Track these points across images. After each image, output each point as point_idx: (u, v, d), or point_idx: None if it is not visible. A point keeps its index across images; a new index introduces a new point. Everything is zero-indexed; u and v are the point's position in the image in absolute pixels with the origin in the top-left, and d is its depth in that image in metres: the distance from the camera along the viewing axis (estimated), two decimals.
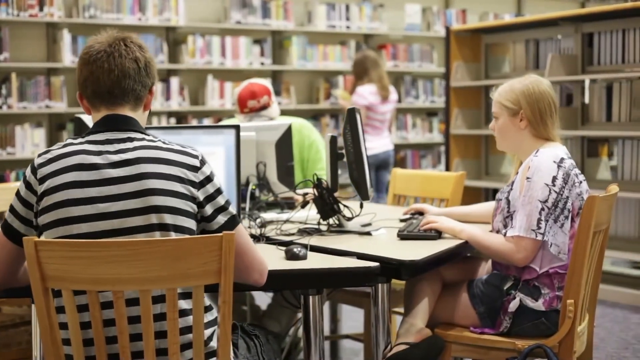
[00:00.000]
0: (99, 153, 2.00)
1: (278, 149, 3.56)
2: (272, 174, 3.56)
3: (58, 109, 6.56)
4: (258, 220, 3.06)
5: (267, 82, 4.10)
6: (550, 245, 2.61)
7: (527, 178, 2.66)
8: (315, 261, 2.42)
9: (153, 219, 1.96)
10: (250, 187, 3.43)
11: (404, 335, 2.66)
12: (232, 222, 2.07)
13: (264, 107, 3.97)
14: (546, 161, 2.66)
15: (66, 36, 6.64)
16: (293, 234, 2.90)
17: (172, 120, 7.19)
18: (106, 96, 2.05)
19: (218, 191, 2.07)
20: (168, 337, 1.90)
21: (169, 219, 1.97)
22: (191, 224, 2.02)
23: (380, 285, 2.51)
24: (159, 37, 7.10)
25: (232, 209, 2.09)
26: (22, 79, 6.47)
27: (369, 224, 3.04)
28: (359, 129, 2.95)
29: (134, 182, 1.97)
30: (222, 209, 2.06)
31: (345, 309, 4.25)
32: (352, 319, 4.51)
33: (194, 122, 7.19)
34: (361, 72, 6.76)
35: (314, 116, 7.94)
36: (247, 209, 3.28)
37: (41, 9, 6.54)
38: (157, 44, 7.05)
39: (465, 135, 6.52)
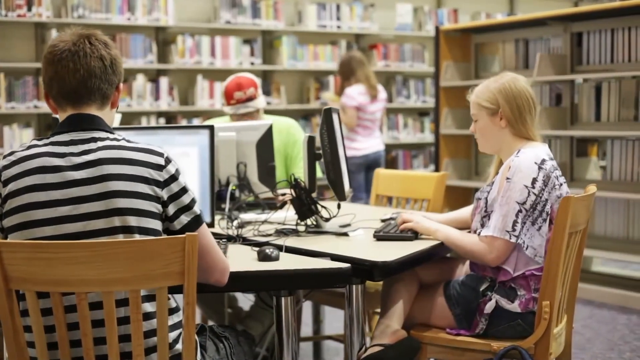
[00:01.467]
0: (63, 155, 1.97)
1: (259, 149, 3.54)
2: (253, 175, 3.54)
3: (46, 109, 6.51)
4: (236, 221, 3.05)
5: (254, 76, 4.11)
6: (527, 248, 2.59)
7: (507, 178, 2.64)
8: (287, 262, 2.40)
9: (116, 221, 1.94)
10: (231, 187, 3.41)
11: (379, 337, 2.65)
12: (196, 222, 2.05)
13: (250, 98, 3.98)
14: (527, 162, 2.63)
15: (55, 36, 6.59)
16: (270, 235, 2.89)
17: (162, 120, 7.17)
18: (72, 96, 2.02)
19: (183, 190, 2.04)
20: (132, 340, 1.89)
21: (133, 221, 1.95)
22: (156, 224, 2.00)
23: (354, 286, 2.50)
24: (148, 37, 7.08)
25: (197, 209, 2.06)
26: (10, 79, 6.44)
27: (348, 225, 3.03)
28: (336, 130, 2.93)
29: (96, 185, 1.95)
30: (186, 208, 2.04)
31: (331, 310, 4.23)
32: (338, 320, 4.49)
33: (184, 122, 7.17)
34: (348, 72, 6.74)
35: (305, 116, 7.92)
36: (226, 210, 3.26)
37: (29, 9, 6.51)
38: (147, 44, 7.03)
39: (455, 135, 6.51)
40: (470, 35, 6.59)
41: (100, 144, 2.00)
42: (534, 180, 2.60)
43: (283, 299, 2.36)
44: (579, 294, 5.23)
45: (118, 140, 2.03)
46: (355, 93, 6.65)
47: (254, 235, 2.87)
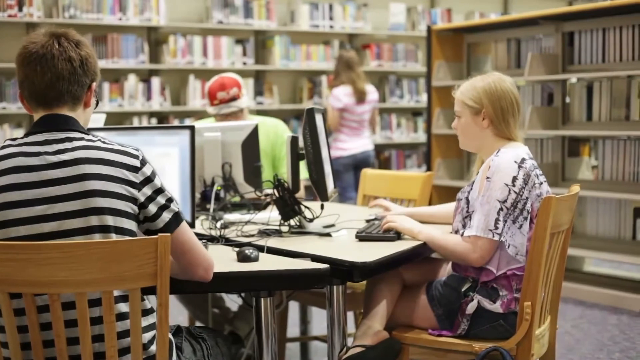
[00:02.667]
0: (37, 154, 1.96)
1: (244, 150, 3.53)
2: (238, 175, 3.53)
3: None
4: (220, 222, 3.03)
5: (237, 76, 4.10)
6: (508, 247, 2.58)
7: (487, 178, 2.63)
8: (266, 263, 2.39)
9: (93, 220, 1.94)
10: (216, 187, 3.40)
11: (360, 338, 2.63)
12: (176, 220, 2.04)
13: (233, 98, 3.97)
14: (507, 161, 2.63)
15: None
16: (253, 236, 2.87)
17: (154, 121, 7.16)
18: (42, 98, 2.02)
19: (159, 190, 2.04)
20: (105, 341, 1.88)
21: (110, 220, 1.95)
22: (132, 225, 2.00)
23: (335, 287, 2.49)
24: (139, 37, 7.07)
25: (175, 207, 2.06)
26: (1, 79, 6.43)
27: (332, 225, 3.01)
28: (318, 130, 2.92)
29: (73, 184, 1.94)
30: (164, 208, 2.03)
31: (318, 311, 4.21)
32: (325, 320, 4.47)
33: (176, 123, 7.15)
34: (336, 72, 6.78)
35: (297, 116, 7.90)
36: (211, 210, 3.25)
37: (20, 9, 6.50)
38: (138, 44, 7.02)
39: (447, 135, 6.49)
40: (462, 35, 6.58)
41: (76, 143, 1.99)
42: (514, 179, 2.59)
43: (263, 299, 2.35)
44: (570, 294, 5.28)
45: (94, 140, 2.02)
46: (342, 94, 6.65)
47: (237, 236, 2.86)
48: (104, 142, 2.03)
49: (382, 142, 8.21)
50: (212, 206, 3.28)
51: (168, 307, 1.89)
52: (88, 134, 2.04)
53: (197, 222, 3.05)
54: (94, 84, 2.09)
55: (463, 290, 2.65)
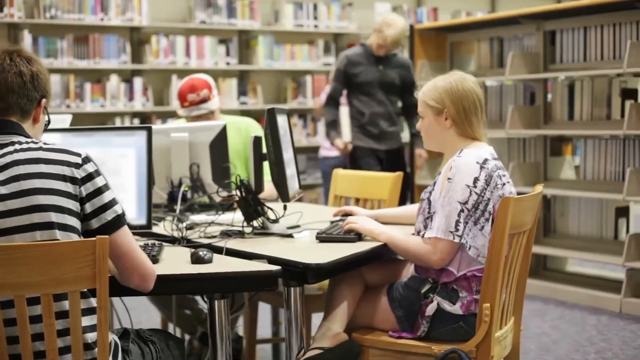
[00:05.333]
0: None
1: (212, 150, 3.50)
2: (206, 175, 3.50)
3: None
4: (185, 223, 3.01)
5: (208, 77, 4.07)
6: (469, 248, 2.55)
7: (449, 179, 2.60)
8: (220, 265, 2.36)
9: (35, 218, 1.93)
10: (183, 188, 3.37)
11: (319, 340, 2.60)
12: (117, 222, 2.03)
13: (204, 100, 3.94)
14: (468, 162, 2.60)
15: (27, 37, 6.58)
16: (215, 237, 2.84)
17: (136, 121, 7.13)
18: None
19: (101, 189, 2.03)
20: (45, 342, 1.88)
21: (54, 217, 1.95)
22: (75, 222, 2.00)
23: (292, 288, 2.47)
24: (122, 37, 7.04)
25: (119, 209, 2.04)
26: None
27: (297, 226, 2.98)
28: (280, 131, 2.89)
29: (12, 183, 1.94)
30: (105, 207, 2.03)
31: None
32: None
33: (158, 123, 7.12)
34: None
35: None
36: (177, 211, 3.22)
37: (1, 10, 6.47)
38: (120, 44, 6.99)
39: None
40: (445, 34, 6.55)
41: (17, 147, 2.01)
42: (476, 180, 2.56)
43: (216, 301, 2.32)
44: (551, 295, 5.26)
45: (36, 143, 2.04)
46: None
47: (199, 237, 2.83)
48: (45, 144, 2.05)
49: None
50: (178, 207, 3.25)
51: (107, 310, 1.87)
52: (31, 138, 2.05)
53: (161, 223, 3.03)
54: (44, 100, 2.11)
55: (423, 291, 2.62)
